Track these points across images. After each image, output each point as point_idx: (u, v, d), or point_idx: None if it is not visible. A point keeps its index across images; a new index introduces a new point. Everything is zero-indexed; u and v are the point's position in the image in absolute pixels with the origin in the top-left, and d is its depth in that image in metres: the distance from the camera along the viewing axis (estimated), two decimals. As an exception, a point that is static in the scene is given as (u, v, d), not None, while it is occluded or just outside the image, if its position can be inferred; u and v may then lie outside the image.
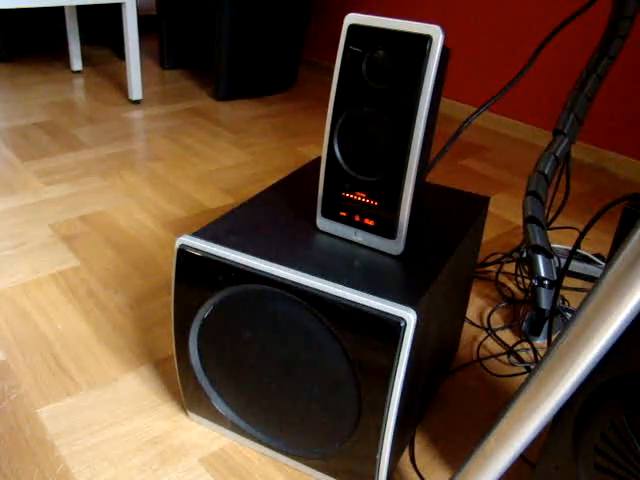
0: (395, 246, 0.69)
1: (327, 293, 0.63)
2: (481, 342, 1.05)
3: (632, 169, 1.81)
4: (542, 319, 1.05)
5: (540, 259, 1.02)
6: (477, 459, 0.58)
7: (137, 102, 2.17)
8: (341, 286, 0.63)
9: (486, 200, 0.87)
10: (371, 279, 0.65)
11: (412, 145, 0.63)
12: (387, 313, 0.60)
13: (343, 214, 0.70)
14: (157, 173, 1.63)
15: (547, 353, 0.51)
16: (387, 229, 0.68)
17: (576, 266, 1.25)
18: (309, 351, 0.67)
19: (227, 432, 0.81)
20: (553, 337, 1.00)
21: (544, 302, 1.02)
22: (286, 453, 0.77)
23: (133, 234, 1.32)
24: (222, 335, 0.72)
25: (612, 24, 1.02)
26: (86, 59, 2.66)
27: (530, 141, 2.05)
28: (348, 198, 0.69)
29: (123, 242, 1.29)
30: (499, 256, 1.31)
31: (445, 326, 0.82)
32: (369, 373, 0.63)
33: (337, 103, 0.66)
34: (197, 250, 0.69)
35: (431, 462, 0.81)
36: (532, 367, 1.00)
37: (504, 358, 1.01)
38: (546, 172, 1.08)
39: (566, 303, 1.16)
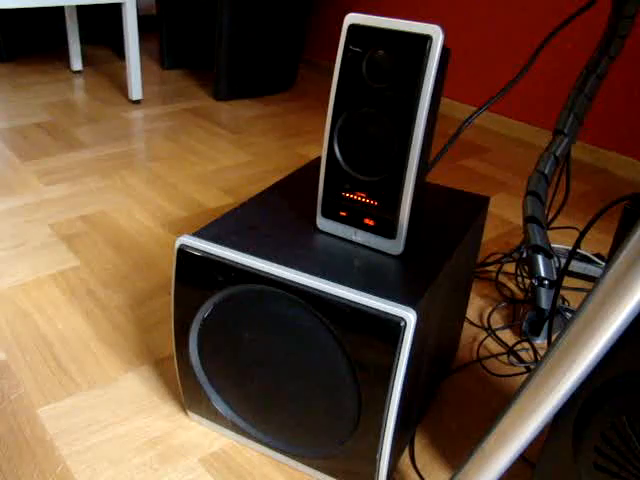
0: (395, 246, 0.69)
1: (327, 293, 0.63)
2: (481, 342, 1.05)
3: (632, 169, 1.81)
4: (542, 319, 1.05)
5: (540, 259, 1.02)
6: (477, 459, 0.58)
7: (137, 102, 2.17)
8: (341, 286, 0.63)
9: (486, 200, 0.87)
10: (371, 279, 0.65)
11: (412, 145, 0.63)
12: (387, 313, 0.60)
13: (343, 214, 0.70)
14: (157, 173, 1.63)
15: (547, 353, 0.51)
16: (387, 229, 0.68)
17: (576, 266, 1.25)
18: (309, 351, 0.67)
19: (227, 432, 0.81)
20: (553, 337, 1.00)
21: (544, 302, 1.02)
22: (286, 453, 0.77)
23: (133, 234, 1.32)
24: (222, 335, 0.72)
25: (612, 24, 1.02)
26: (86, 59, 2.66)
27: (530, 141, 2.05)
28: (348, 198, 0.69)
29: (123, 242, 1.29)
30: (499, 256, 1.31)
31: (445, 326, 0.82)
32: (369, 373, 0.63)
33: (337, 103, 0.66)
34: (197, 250, 0.69)
35: (431, 462, 0.81)
36: (532, 367, 1.00)
37: (504, 358, 1.01)
38: (546, 172, 1.08)
39: (566, 303, 1.16)
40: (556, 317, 1.09)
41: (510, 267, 1.27)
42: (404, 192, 0.65)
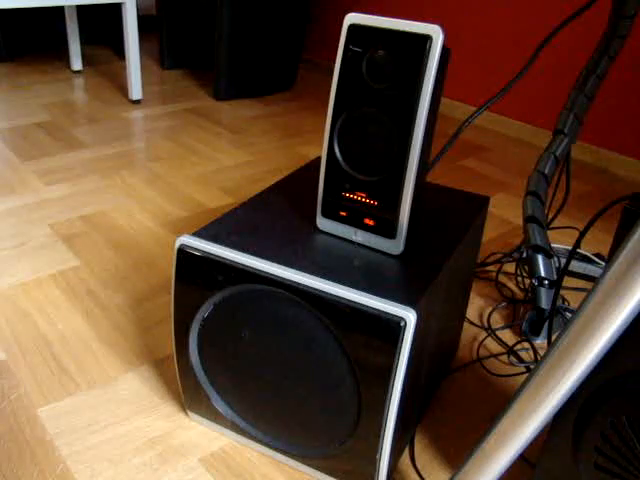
0: (395, 246, 0.69)
1: (327, 293, 0.63)
2: (481, 342, 1.05)
3: (632, 169, 1.81)
4: (542, 319, 1.05)
5: (540, 259, 1.02)
6: (477, 459, 0.58)
7: (137, 102, 2.17)
8: (341, 286, 0.63)
9: (486, 200, 0.87)
10: (371, 279, 0.65)
11: (412, 145, 0.63)
12: (387, 313, 0.60)
13: (343, 214, 0.70)
14: (157, 173, 1.63)
15: (547, 353, 0.51)
16: (387, 229, 0.68)
17: (576, 266, 1.25)
18: (309, 351, 0.67)
19: (227, 432, 0.81)
20: (553, 337, 1.00)
21: (544, 302, 1.02)
22: (286, 453, 0.77)
23: (133, 234, 1.32)
24: (222, 335, 0.72)
25: (612, 24, 1.02)
26: (86, 59, 2.66)
27: (530, 141, 2.05)
28: (348, 198, 0.69)
29: (123, 242, 1.29)
30: (499, 256, 1.31)
31: (445, 326, 0.82)
32: (369, 373, 0.63)
33: (337, 103, 0.66)
34: (197, 250, 0.69)
35: (431, 462, 0.81)
36: (532, 367, 1.00)
37: (504, 358, 1.01)
38: (546, 172, 1.08)
39: (566, 303, 1.16)
40: (556, 317, 1.09)
41: (510, 267, 1.27)
42: (404, 192, 0.65)
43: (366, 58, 0.63)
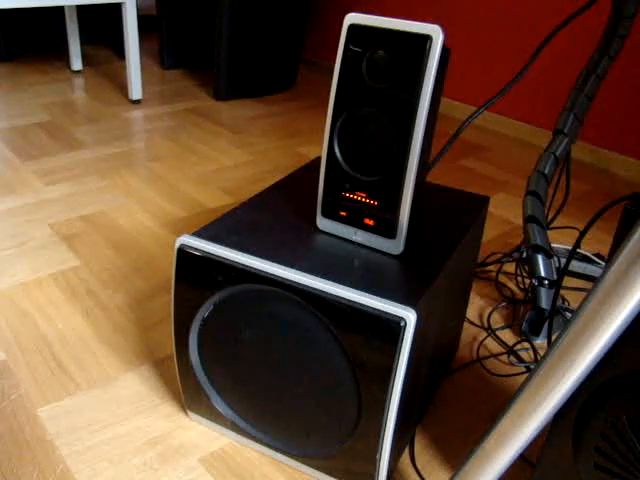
0: (395, 246, 0.69)
1: (327, 293, 0.63)
2: (481, 342, 1.05)
3: (632, 169, 1.81)
4: (542, 319, 1.05)
5: (540, 259, 1.02)
6: (477, 459, 0.58)
7: (137, 102, 2.17)
8: (341, 286, 0.63)
9: (486, 200, 0.87)
10: (371, 279, 0.65)
11: (412, 145, 0.63)
12: (387, 313, 0.60)
13: (343, 214, 0.70)
14: (157, 173, 1.63)
15: (547, 353, 0.51)
16: (387, 229, 0.68)
17: (576, 266, 1.25)
18: (309, 351, 0.67)
19: (227, 432, 0.81)
20: (553, 337, 1.00)
21: (544, 302, 1.02)
22: (286, 453, 0.77)
23: (133, 234, 1.32)
24: (222, 335, 0.72)
25: (612, 24, 1.02)
26: (86, 59, 2.66)
27: (530, 141, 2.05)
28: (348, 198, 0.69)
29: (123, 242, 1.29)
30: (499, 256, 1.31)
31: (445, 326, 0.82)
32: (369, 373, 0.63)
33: (337, 103, 0.66)
34: (197, 250, 0.69)
35: (431, 462, 0.81)
36: (532, 367, 1.00)
37: (504, 358, 1.01)
38: (546, 172, 1.08)
39: (566, 303, 1.16)
40: (556, 317, 1.09)
41: (510, 267, 1.27)
42: (404, 192, 0.65)
43: (366, 58, 0.63)
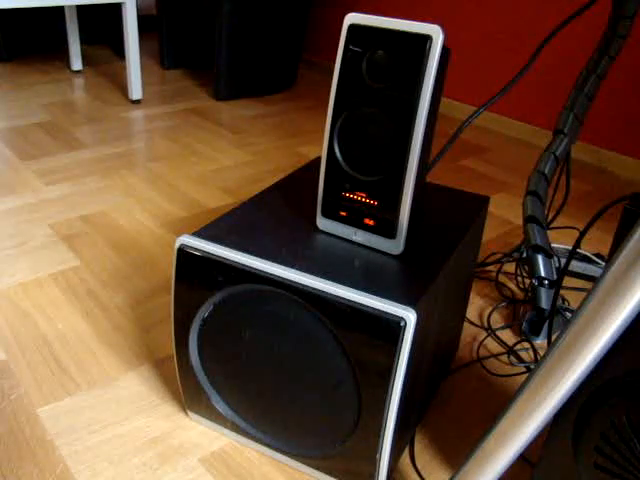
0: (395, 246, 0.69)
1: (327, 293, 0.63)
2: (481, 342, 1.05)
3: (632, 169, 1.81)
4: (542, 319, 1.05)
5: (540, 259, 1.02)
6: (477, 459, 0.58)
7: (137, 102, 2.17)
8: (341, 286, 0.63)
9: (486, 200, 0.87)
10: (371, 279, 0.65)
11: (412, 145, 0.63)
12: (387, 313, 0.60)
13: (343, 214, 0.70)
14: (157, 173, 1.63)
15: (547, 353, 0.51)
16: (387, 229, 0.68)
17: (576, 266, 1.25)
18: (309, 351, 0.67)
19: (227, 432, 0.81)
20: (553, 337, 1.00)
21: (544, 302, 1.02)
22: (286, 453, 0.77)
23: (133, 234, 1.32)
24: (222, 335, 0.72)
25: (612, 24, 1.02)
26: (86, 59, 2.66)
27: (530, 141, 2.05)
28: (348, 198, 0.69)
29: (123, 242, 1.29)
30: (499, 256, 1.31)
31: (445, 326, 0.82)
32: (369, 373, 0.63)
33: (337, 103, 0.66)
34: (197, 250, 0.69)
35: (431, 462, 0.81)
36: (532, 367, 1.00)
37: (504, 358, 1.01)
38: (546, 172, 1.08)
39: (566, 303, 1.16)
40: (556, 317, 1.09)
41: (510, 267, 1.27)
42: (404, 192, 0.65)
43: (366, 58, 0.63)
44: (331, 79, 0.67)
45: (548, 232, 1.08)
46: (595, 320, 0.47)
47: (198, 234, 0.72)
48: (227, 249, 0.68)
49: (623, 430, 0.53)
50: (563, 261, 1.23)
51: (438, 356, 0.84)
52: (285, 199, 0.81)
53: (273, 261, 0.66)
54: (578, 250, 1.27)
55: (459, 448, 0.83)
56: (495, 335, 1.07)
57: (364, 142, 0.65)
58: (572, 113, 1.06)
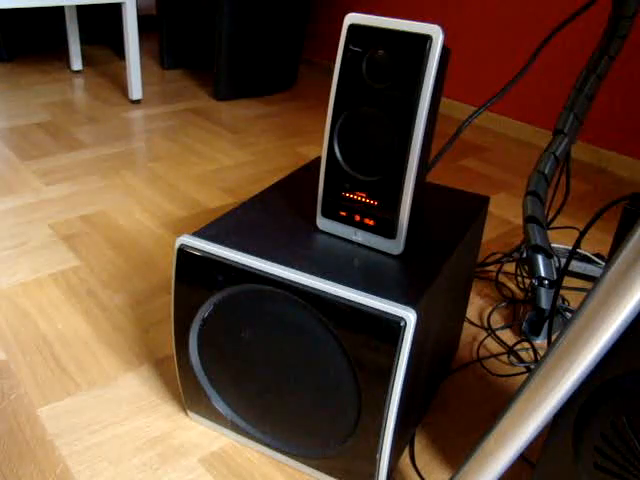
0: (395, 246, 0.69)
1: (327, 293, 0.63)
2: (481, 342, 1.05)
3: (632, 169, 1.81)
4: (542, 319, 1.05)
5: (540, 259, 1.02)
6: (477, 459, 0.58)
7: (137, 102, 2.17)
8: (341, 286, 0.63)
9: (486, 200, 0.87)
10: (371, 279, 0.65)
11: (412, 145, 0.63)
12: (387, 313, 0.60)
13: (343, 214, 0.70)
14: (157, 173, 1.63)
15: (547, 353, 0.51)
16: (387, 229, 0.68)
17: (576, 266, 1.25)
18: (309, 351, 0.67)
19: (227, 432, 0.81)
20: (553, 337, 1.00)
21: (544, 302, 1.02)
22: (286, 453, 0.77)
23: (133, 234, 1.32)
24: (222, 335, 0.72)
25: (612, 24, 1.02)
26: (86, 59, 2.66)
27: (530, 141, 2.05)
28: (348, 198, 0.69)
29: (123, 242, 1.29)
30: (499, 256, 1.31)
31: (445, 326, 0.82)
32: (369, 373, 0.63)
33: (337, 103, 0.66)
34: (197, 250, 0.69)
35: (431, 462, 0.81)
36: (532, 367, 1.00)
37: (504, 358, 1.01)
38: (546, 172, 1.08)
39: (566, 303, 1.16)
40: (556, 317, 1.09)
41: (510, 267, 1.27)
42: (404, 192, 0.65)
43: (366, 58, 0.63)
44: (331, 79, 0.67)
45: (548, 232, 1.08)
46: (595, 320, 0.47)
47: (198, 234, 0.72)
48: (227, 249, 0.68)
49: (623, 430, 0.53)
50: (563, 261, 1.23)
51: (438, 356, 0.83)
52: (285, 199, 0.81)
53: (273, 261, 0.66)
54: (578, 250, 1.27)
55: (459, 448, 0.83)
56: (495, 335, 1.07)
57: (364, 142, 0.65)
58: (572, 113, 1.06)
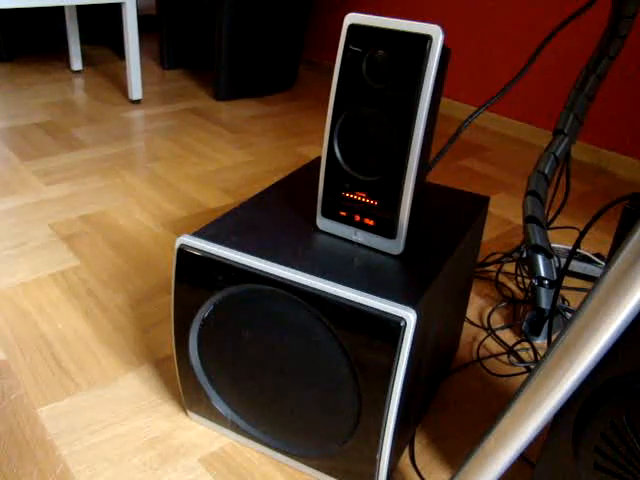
0: (395, 246, 0.69)
1: (327, 293, 0.63)
2: (481, 342, 1.05)
3: (632, 169, 1.81)
4: (542, 319, 1.05)
5: (540, 259, 1.02)
6: (477, 459, 0.58)
7: (137, 102, 2.17)
8: (341, 286, 0.63)
9: (486, 200, 0.87)
10: (371, 279, 0.65)
11: (412, 145, 0.63)
12: (387, 313, 0.60)
13: (343, 214, 0.70)
14: (157, 173, 1.63)
15: (547, 353, 0.51)
16: (387, 229, 0.68)
17: (576, 266, 1.25)
18: (309, 351, 0.67)
19: (227, 432, 0.81)
20: (553, 337, 1.00)
21: (544, 302, 1.02)
22: (286, 453, 0.77)
23: (133, 234, 1.32)
24: (222, 335, 0.72)
25: (612, 24, 1.02)
26: (86, 59, 2.66)
27: (530, 141, 2.05)
28: (348, 198, 0.69)
29: (123, 242, 1.29)
30: (499, 256, 1.31)
31: (445, 326, 0.82)
32: (369, 373, 0.63)
33: (337, 103, 0.66)
34: (197, 250, 0.69)
35: (431, 462, 0.81)
36: (532, 367, 1.00)
37: (504, 358, 1.01)
38: (546, 172, 1.08)
39: (566, 303, 1.16)
40: (556, 317, 1.09)
41: (510, 267, 1.27)
42: (404, 192, 0.65)
43: (366, 58, 0.63)
44: (331, 79, 0.67)
45: (548, 232, 1.08)
46: (595, 320, 0.47)
47: (198, 234, 0.72)
48: (227, 249, 0.68)
49: (623, 430, 0.53)
50: (563, 261, 1.23)
51: (438, 356, 0.83)
52: (285, 199, 0.81)
53: (273, 261, 0.66)
54: (578, 250, 1.27)
55: (459, 448, 0.83)
56: (495, 335, 1.07)
57: (364, 142, 0.65)
58: (572, 113, 1.06)
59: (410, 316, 0.59)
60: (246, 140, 1.91)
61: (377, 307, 0.60)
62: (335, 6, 2.62)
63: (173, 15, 2.49)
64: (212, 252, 0.68)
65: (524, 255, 1.26)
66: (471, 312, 1.13)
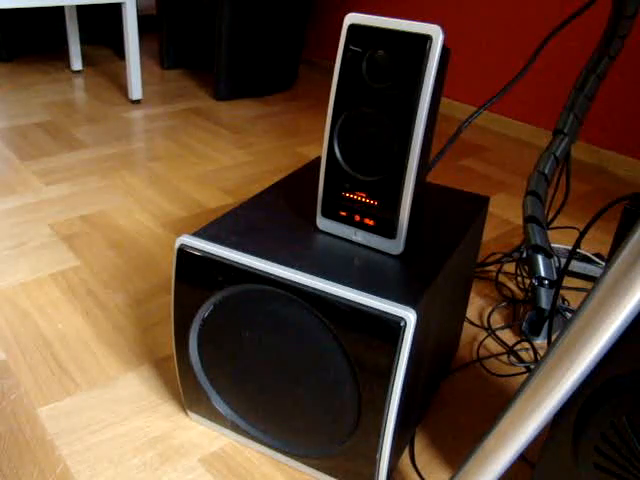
0: (395, 246, 0.69)
1: (327, 293, 0.63)
2: (481, 342, 1.05)
3: (632, 169, 1.81)
4: (542, 319, 1.05)
5: (540, 259, 1.02)
6: (477, 459, 0.58)
7: (137, 102, 2.17)
8: (341, 286, 0.63)
9: (486, 200, 0.87)
10: (371, 279, 0.65)
11: (412, 145, 0.63)
12: (387, 313, 0.60)
13: (343, 214, 0.70)
14: (157, 173, 1.63)
15: (547, 353, 0.51)
16: (387, 229, 0.68)
17: (576, 266, 1.25)
18: (309, 351, 0.67)
19: (227, 432, 0.81)
20: (553, 337, 1.00)
21: (544, 302, 1.02)
22: (286, 453, 0.77)
23: (133, 234, 1.32)
24: (222, 335, 0.72)
25: (612, 24, 1.02)
26: (86, 59, 2.66)
27: (530, 141, 2.05)
28: (348, 198, 0.69)
29: (123, 242, 1.29)
30: (499, 256, 1.31)
31: (445, 326, 0.82)
32: (369, 373, 0.63)
33: (337, 103, 0.66)
34: (197, 250, 0.69)
35: (431, 462, 0.81)
36: (532, 367, 1.00)
37: (504, 358, 1.01)
38: (546, 172, 1.08)
39: (566, 303, 1.16)
40: (556, 317, 1.09)
41: (510, 267, 1.27)
42: (404, 192, 0.65)
43: (366, 58, 0.63)
44: (331, 79, 0.67)
45: (548, 232, 1.08)
46: (595, 320, 0.47)
47: (198, 234, 0.72)
48: (227, 249, 0.68)
49: (623, 430, 0.53)
50: (563, 261, 1.23)
51: (438, 356, 0.84)
52: (285, 199, 0.81)
53: (273, 261, 0.66)
54: (578, 250, 1.27)
55: (459, 448, 0.83)
56: (495, 335, 1.07)
57: (364, 142, 0.66)
58: (572, 113, 1.06)
59: (410, 316, 0.59)
60: (246, 140, 1.91)
61: (377, 307, 0.60)
62: (335, 6, 2.62)
63: (173, 15, 2.49)
64: (212, 252, 0.68)
65: (524, 255, 1.26)
66: (471, 312, 1.13)
